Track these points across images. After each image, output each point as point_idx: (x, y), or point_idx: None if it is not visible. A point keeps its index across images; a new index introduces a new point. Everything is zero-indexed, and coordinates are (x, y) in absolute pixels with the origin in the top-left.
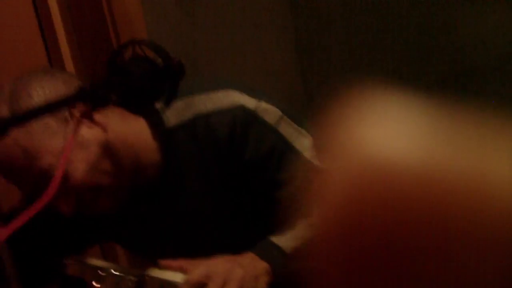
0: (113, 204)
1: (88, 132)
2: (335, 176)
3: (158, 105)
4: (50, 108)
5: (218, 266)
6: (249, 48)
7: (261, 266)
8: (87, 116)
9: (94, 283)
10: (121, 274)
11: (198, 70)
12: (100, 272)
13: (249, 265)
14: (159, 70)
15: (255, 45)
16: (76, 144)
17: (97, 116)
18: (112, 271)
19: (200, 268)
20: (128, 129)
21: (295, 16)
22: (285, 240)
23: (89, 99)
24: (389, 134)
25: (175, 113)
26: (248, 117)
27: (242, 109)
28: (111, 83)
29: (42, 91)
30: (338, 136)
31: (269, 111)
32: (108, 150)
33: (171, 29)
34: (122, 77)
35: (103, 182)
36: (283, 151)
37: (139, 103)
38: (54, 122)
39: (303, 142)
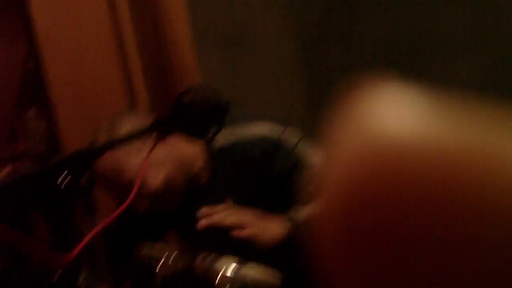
0: (176, 204)
1: (160, 153)
2: (337, 153)
3: (211, 132)
4: (135, 135)
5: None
6: (271, 92)
7: (275, 225)
8: (160, 141)
9: (158, 264)
10: (179, 255)
11: (236, 105)
12: (163, 256)
13: (265, 221)
14: (210, 106)
15: (275, 90)
16: (152, 162)
17: (167, 143)
18: (173, 255)
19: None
20: (189, 149)
21: (307, 64)
22: (298, 215)
23: (161, 129)
24: (394, 113)
25: (222, 137)
26: (274, 143)
27: (270, 136)
28: (177, 117)
29: (129, 125)
30: (341, 118)
31: (289, 137)
32: (174, 165)
33: (218, 82)
34: (186, 112)
35: (169, 188)
36: (300, 167)
37: (198, 131)
38: (137, 146)
39: (316, 157)
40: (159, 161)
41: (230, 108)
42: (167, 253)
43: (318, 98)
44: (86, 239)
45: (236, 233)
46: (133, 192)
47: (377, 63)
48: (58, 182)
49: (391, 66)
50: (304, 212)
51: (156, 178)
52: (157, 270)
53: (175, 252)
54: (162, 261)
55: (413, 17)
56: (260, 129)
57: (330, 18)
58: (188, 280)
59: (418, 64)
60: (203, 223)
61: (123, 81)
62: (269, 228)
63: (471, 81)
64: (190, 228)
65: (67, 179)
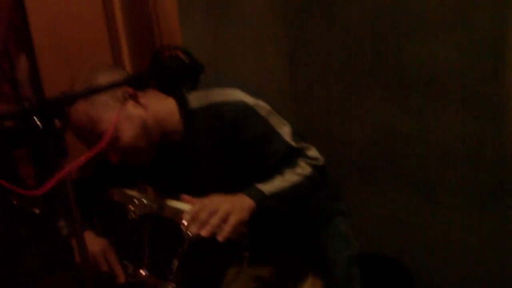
0: (147, 159)
1: (133, 109)
2: None
3: (184, 92)
4: (108, 87)
5: (213, 199)
6: (252, 57)
7: (247, 201)
8: (134, 98)
9: (130, 207)
10: (149, 202)
11: (217, 70)
12: (134, 199)
13: (237, 200)
14: (185, 65)
15: (257, 55)
16: (125, 117)
17: (141, 99)
18: (143, 199)
19: (200, 201)
20: (162, 107)
21: (288, 34)
22: (265, 186)
23: (136, 84)
24: None
25: (196, 99)
26: (247, 109)
27: (244, 103)
28: (152, 73)
29: (104, 77)
30: None
31: (262, 107)
32: (147, 122)
33: (200, 41)
34: (161, 68)
35: (141, 144)
36: (271, 134)
37: (171, 88)
38: (111, 100)
39: (284, 129)
40: (133, 116)
41: (205, 71)
42: (138, 197)
43: (299, 69)
44: (55, 178)
45: (223, 234)
46: (102, 142)
47: (359, 37)
48: (36, 123)
49: (373, 41)
50: (272, 185)
51: (129, 132)
52: (128, 212)
53: (146, 197)
54: (133, 204)
55: None
56: (234, 93)
57: None
58: (156, 221)
59: (399, 41)
60: (192, 231)
61: (106, 34)
62: (244, 208)
63: (446, 59)
64: (161, 181)
65: (43, 122)
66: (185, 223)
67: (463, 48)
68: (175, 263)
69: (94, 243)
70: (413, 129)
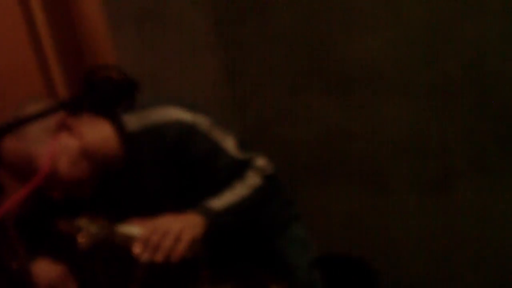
0: (90, 189)
1: (68, 140)
2: None
3: (119, 113)
4: (43, 114)
5: (163, 221)
6: (191, 67)
7: (197, 219)
8: (67, 128)
9: (79, 237)
10: (97, 230)
11: (155, 85)
12: (82, 229)
13: (188, 219)
14: (118, 84)
15: (194, 66)
16: (60, 150)
17: (75, 128)
18: (91, 228)
19: (150, 223)
20: (98, 133)
21: (224, 40)
22: (214, 203)
23: (69, 108)
24: None
25: (133, 121)
26: (188, 128)
27: (183, 122)
28: (85, 95)
29: (33, 108)
30: None
31: (202, 123)
32: (83, 152)
33: (134, 55)
34: (93, 90)
35: (81, 175)
36: (215, 150)
37: (106, 109)
38: (43, 134)
39: (228, 142)
40: (68, 148)
41: (141, 86)
42: (85, 226)
43: (238, 76)
44: None
45: (176, 253)
46: (38, 177)
47: (294, 37)
48: None
49: (308, 40)
50: (221, 200)
51: (66, 165)
52: (78, 243)
53: (94, 225)
54: (81, 234)
55: None
56: (172, 112)
57: None
58: (108, 248)
59: (334, 38)
60: (145, 258)
61: (37, 63)
62: (196, 225)
63: (382, 52)
64: (108, 208)
65: None
66: (138, 249)
67: (397, 39)
68: None
69: (51, 270)
70: (358, 124)
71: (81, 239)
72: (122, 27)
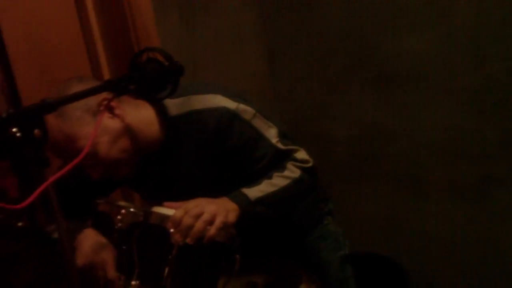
0: (128, 171)
1: (110, 121)
2: None
3: (163, 98)
4: (89, 93)
5: (197, 203)
6: (232, 57)
7: (231, 205)
8: (109, 109)
9: (117, 217)
10: (135, 210)
11: (195, 72)
12: (121, 209)
13: (222, 203)
14: (165, 69)
15: (237, 55)
16: (101, 131)
17: (117, 109)
18: (129, 208)
19: (183, 205)
20: (140, 115)
21: (267, 32)
22: (251, 191)
23: (114, 89)
24: None
25: (175, 107)
26: (230, 115)
27: (226, 109)
28: (130, 78)
29: (78, 88)
30: None
31: (245, 110)
32: (125, 134)
33: (177, 42)
34: (139, 72)
35: (121, 157)
36: (257, 139)
37: (150, 93)
38: (85, 114)
39: (271, 132)
40: (110, 129)
41: (184, 73)
42: (124, 206)
43: (279, 68)
44: (35, 193)
45: (208, 236)
46: (79, 157)
47: (338, 33)
48: (11, 134)
49: (352, 36)
50: (257, 189)
51: (107, 146)
52: (116, 224)
53: (132, 205)
54: (120, 213)
55: None
56: (216, 99)
57: None
58: (143, 228)
59: (379, 36)
60: (177, 240)
61: (82, 39)
62: (229, 209)
63: (426, 52)
64: (145, 189)
65: (20, 131)
66: (170, 230)
67: (442, 42)
68: (166, 270)
69: (94, 237)
70: (397, 123)
71: (119, 218)
72: (167, 12)
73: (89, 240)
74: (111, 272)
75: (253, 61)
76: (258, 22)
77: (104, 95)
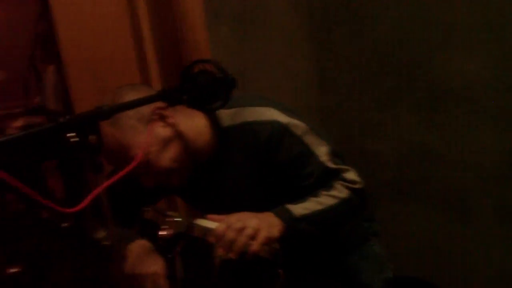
0: (181, 180)
1: (162, 130)
2: None
3: (215, 108)
4: (138, 103)
5: (240, 217)
6: (281, 71)
7: (275, 220)
8: (162, 118)
9: (163, 225)
10: (180, 220)
11: (244, 84)
12: (167, 218)
13: (266, 218)
14: (217, 80)
15: (285, 68)
16: (155, 140)
17: (170, 118)
18: (175, 218)
19: (227, 219)
20: (193, 125)
21: (317, 47)
22: (296, 208)
23: (167, 98)
24: None
25: (228, 118)
26: (282, 129)
27: (278, 123)
28: (184, 88)
29: (131, 96)
30: None
31: (297, 126)
32: (177, 142)
33: (227, 53)
34: (192, 83)
35: (173, 166)
36: (306, 155)
37: (203, 104)
38: (138, 123)
39: (321, 149)
40: (163, 138)
41: (236, 85)
42: (171, 215)
43: (328, 84)
44: (89, 197)
45: (251, 251)
46: (132, 165)
47: (389, 51)
48: (67, 138)
49: (403, 54)
50: (302, 207)
51: (160, 155)
52: (161, 232)
53: (178, 215)
54: (166, 222)
55: (422, 8)
56: (269, 112)
57: (340, 1)
58: (187, 240)
59: (430, 54)
60: (220, 254)
61: (134, 47)
62: (272, 225)
63: (478, 74)
64: (191, 199)
65: (75, 137)
66: (213, 243)
67: (495, 62)
68: (210, 283)
69: (142, 246)
70: (446, 145)
71: (165, 227)
72: (219, 24)
73: (140, 250)
74: (162, 285)
75: (302, 76)
76: (308, 37)
77: (157, 104)
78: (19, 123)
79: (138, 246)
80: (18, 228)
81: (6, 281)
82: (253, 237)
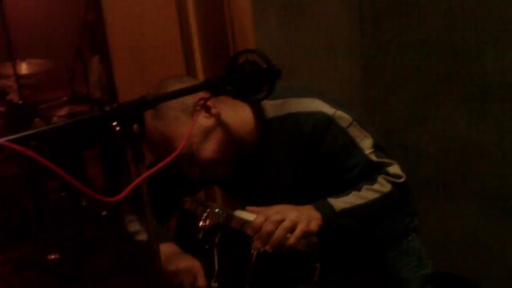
0: (226, 171)
1: (206, 121)
2: None
3: (260, 99)
4: (182, 93)
5: (279, 209)
6: (326, 63)
7: (315, 214)
8: (206, 109)
9: (202, 216)
10: (219, 211)
11: (289, 75)
12: (206, 209)
13: (305, 211)
14: (263, 71)
15: (331, 61)
16: (198, 131)
17: (213, 109)
18: (214, 209)
19: (265, 211)
20: (237, 116)
21: (363, 39)
22: (337, 202)
23: (211, 88)
24: None
25: (273, 109)
26: (326, 121)
27: (323, 114)
28: (228, 78)
29: (176, 87)
30: None
31: (342, 117)
32: (221, 133)
33: (273, 44)
34: (237, 74)
35: (218, 157)
36: (350, 147)
37: (248, 94)
38: (182, 114)
39: (365, 142)
40: (206, 129)
41: (281, 76)
42: (209, 206)
43: (373, 77)
44: (130, 187)
45: (287, 244)
46: (174, 154)
47: (437, 43)
48: (111, 127)
49: (451, 47)
50: (344, 201)
51: (204, 146)
52: (200, 222)
53: (216, 206)
54: (205, 213)
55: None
56: (314, 104)
57: None
58: (225, 231)
59: (480, 48)
60: (257, 246)
61: (180, 38)
62: (311, 218)
63: None
64: (232, 189)
65: (119, 126)
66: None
67: None
68: (246, 275)
69: (171, 248)
70: (492, 142)
71: (204, 217)
72: (265, 14)
73: (171, 250)
74: (201, 280)
75: (346, 68)
76: (354, 28)
77: (201, 94)
78: (64, 111)
79: (168, 247)
80: (59, 216)
81: (45, 268)
82: (291, 230)
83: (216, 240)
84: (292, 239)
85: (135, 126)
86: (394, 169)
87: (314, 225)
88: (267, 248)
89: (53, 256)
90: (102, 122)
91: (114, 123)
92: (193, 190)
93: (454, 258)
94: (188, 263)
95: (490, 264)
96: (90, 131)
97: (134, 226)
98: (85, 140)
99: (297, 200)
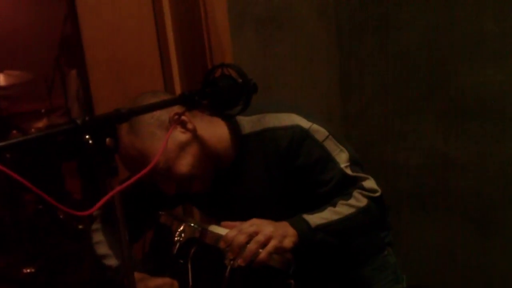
0: (202, 187)
1: (182, 136)
2: None
3: (235, 114)
4: (156, 107)
5: (253, 223)
6: (304, 76)
7: (290, 230)
8: (181, 124)
9: (177, 230)
10: (194, 226)
11: (267, 90)
12: (182, 223)
13: (281, 227)
14: (238, 85)
15: (309, 74)
16: (174, 146)
17: (189, 124)
18: (190, 223)
19: (239, 224)
20: (213, 131)
21: (341, 54)
22: (312, 218)
23: (186, 103)
24: None
25: (250, 124)
26: (303, 134)
27: (299, 127)
28: (204, 92)
29: (153, 99)
30: None
31: (318, 131)
32: (197, 148)
33: (250, 58)
34: (212, 88)
35: (193, 172)
36: (326, 161)
37: (222, 109)
38: (158, 129)
39: (341, 156)
40: (182, 144)
41: (257, 91)
42: (185, 220)
43: (351, 90)
44: (101, 201)
45: (259, 258)
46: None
47: (414, 59)
48: (84, 140)
49: (428, 63)
50: (319, 216)
51: (180, 161)
52: (175, 237)
53: (192, 220)
54: (180, 228)
55: (450, 17)
56: (291, 118)
57: (368, 8)
58: (199, 246)
59: (456, 65)
60: (230, 259)
61: (158, 50)
62: (286, 235)
63: (503, 85)
64: (207, 205)
65: (91, 140)
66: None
67: None
68: None
69: (157, 279)
70: (468, 156)
71: (179, 231)
72: (243, 28)
73: (139, 275)
74: None
75: (325, 82)
76: (332, 43)
77: (176, 109)
78: (41, 123)
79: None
80: (35, 229)
81: (21, 281)
82: (264, 245)
83: (191, 255)
84: (263, 254)
85: (108, 140)
86: (370, 183)
87: (288, 242)
88: (240, 262)
89: (28, 270)
90: (74, 135)
91: (87, 136)
92: (170, 205)
93: (431, 272)
94: (160, 281)
95: (467, 277)
96: (66, 144)
97: (102, 248)
98: (62, 152)
99: (274, 215)
